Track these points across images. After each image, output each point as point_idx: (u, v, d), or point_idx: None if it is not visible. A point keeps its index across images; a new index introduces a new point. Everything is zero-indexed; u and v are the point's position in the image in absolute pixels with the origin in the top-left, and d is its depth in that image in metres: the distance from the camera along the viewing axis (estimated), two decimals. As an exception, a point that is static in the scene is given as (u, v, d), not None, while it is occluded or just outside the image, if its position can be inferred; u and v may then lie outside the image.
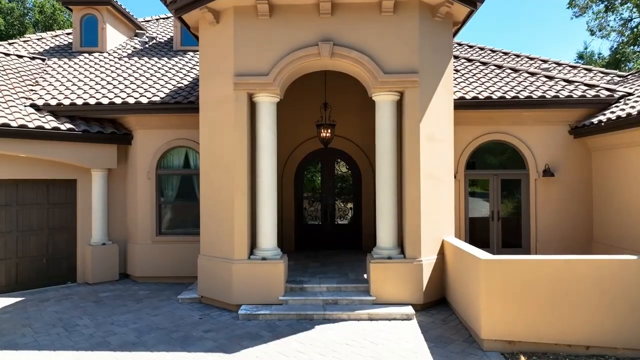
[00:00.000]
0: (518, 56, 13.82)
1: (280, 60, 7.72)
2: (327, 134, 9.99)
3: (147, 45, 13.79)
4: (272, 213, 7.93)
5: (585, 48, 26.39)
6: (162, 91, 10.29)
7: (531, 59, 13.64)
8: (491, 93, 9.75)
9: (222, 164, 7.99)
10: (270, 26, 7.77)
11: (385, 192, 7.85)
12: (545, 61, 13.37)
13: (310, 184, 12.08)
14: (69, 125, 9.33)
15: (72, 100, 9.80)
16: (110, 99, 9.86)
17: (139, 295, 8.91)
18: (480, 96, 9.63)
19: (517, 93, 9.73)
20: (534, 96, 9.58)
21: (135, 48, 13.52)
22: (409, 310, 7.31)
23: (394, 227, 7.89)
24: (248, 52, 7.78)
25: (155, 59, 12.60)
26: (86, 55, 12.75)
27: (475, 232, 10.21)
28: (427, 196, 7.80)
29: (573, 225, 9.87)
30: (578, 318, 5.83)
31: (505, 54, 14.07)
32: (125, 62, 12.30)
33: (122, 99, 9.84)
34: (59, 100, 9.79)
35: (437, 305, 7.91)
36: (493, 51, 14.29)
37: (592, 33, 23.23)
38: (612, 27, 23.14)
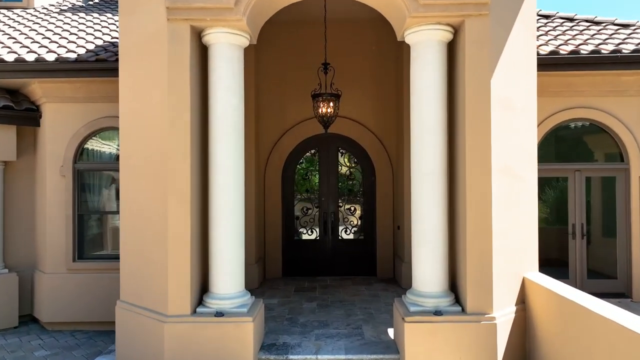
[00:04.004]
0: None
1: (248, -31, 4.44)
2: (329, 110, 6.65)
3: (90, 2, 10.52)
4: (236, 233, 4.65)
5: None
6: (84, 47, 7.00)
7: (598, 23, 10.30)
8: (576, 47, 6.49)
9: (150, 152, 4.70)
10: None
11: (428, 197, 4.58)
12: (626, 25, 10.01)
13: (304, 184, 8.77)
14: None
15: (-59, 58, 6.49)
16: (0, 55, 6.56)
17: (31, 361, 5.62)
18: (561, 51, 6.36)
19: (615, 47, 6.46)
20: (643, 50, 6.32)
21: (74, 5, 10.24)
22: (478, 412, 4.04)
23: (444, 257, 4.62)
24: (192, -45, 4.49)
25: (95, 14, 9.31)
26: (3, 11, 9.48)
27: (542, 252, 6.91)
28: (501, 204, 4.54)
29: (695, 246, 6.61)
30: None
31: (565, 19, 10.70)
32: (51, 17, 9.01)
33: (19, 55, 6.54)
34: None
35: (516, 392, 4.65)
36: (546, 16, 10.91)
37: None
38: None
